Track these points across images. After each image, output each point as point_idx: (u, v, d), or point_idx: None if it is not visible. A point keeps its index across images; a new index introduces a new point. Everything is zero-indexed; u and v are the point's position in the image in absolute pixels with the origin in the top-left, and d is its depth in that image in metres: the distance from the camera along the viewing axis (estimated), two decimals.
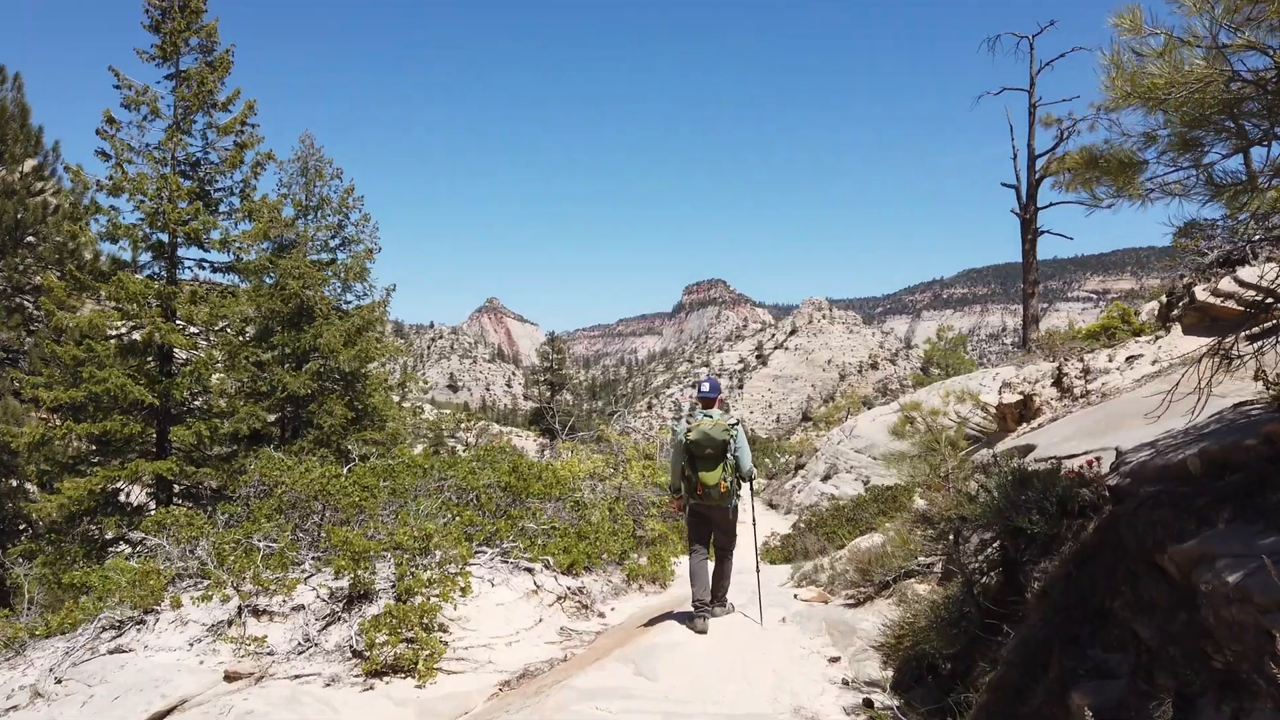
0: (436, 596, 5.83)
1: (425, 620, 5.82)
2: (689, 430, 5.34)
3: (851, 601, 5.90)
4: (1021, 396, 7.74)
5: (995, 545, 3.94)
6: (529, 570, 7.01)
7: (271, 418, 11.09)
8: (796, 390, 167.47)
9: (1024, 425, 7.65)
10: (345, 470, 7.92)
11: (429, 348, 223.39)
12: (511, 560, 7.09)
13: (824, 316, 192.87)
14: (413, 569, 6.18)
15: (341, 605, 6.19)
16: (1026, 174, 18.28)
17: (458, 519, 7.13)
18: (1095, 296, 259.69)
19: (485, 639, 6.09)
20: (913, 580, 5.61)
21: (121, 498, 13.45)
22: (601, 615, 7.19)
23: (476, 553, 7.24)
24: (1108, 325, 8.95)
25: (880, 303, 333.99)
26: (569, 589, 7.16)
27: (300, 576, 6.51)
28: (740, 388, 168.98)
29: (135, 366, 12.41)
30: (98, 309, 13.11)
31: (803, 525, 10.61)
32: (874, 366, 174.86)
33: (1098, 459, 3.90)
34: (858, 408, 27.16)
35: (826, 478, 16.75)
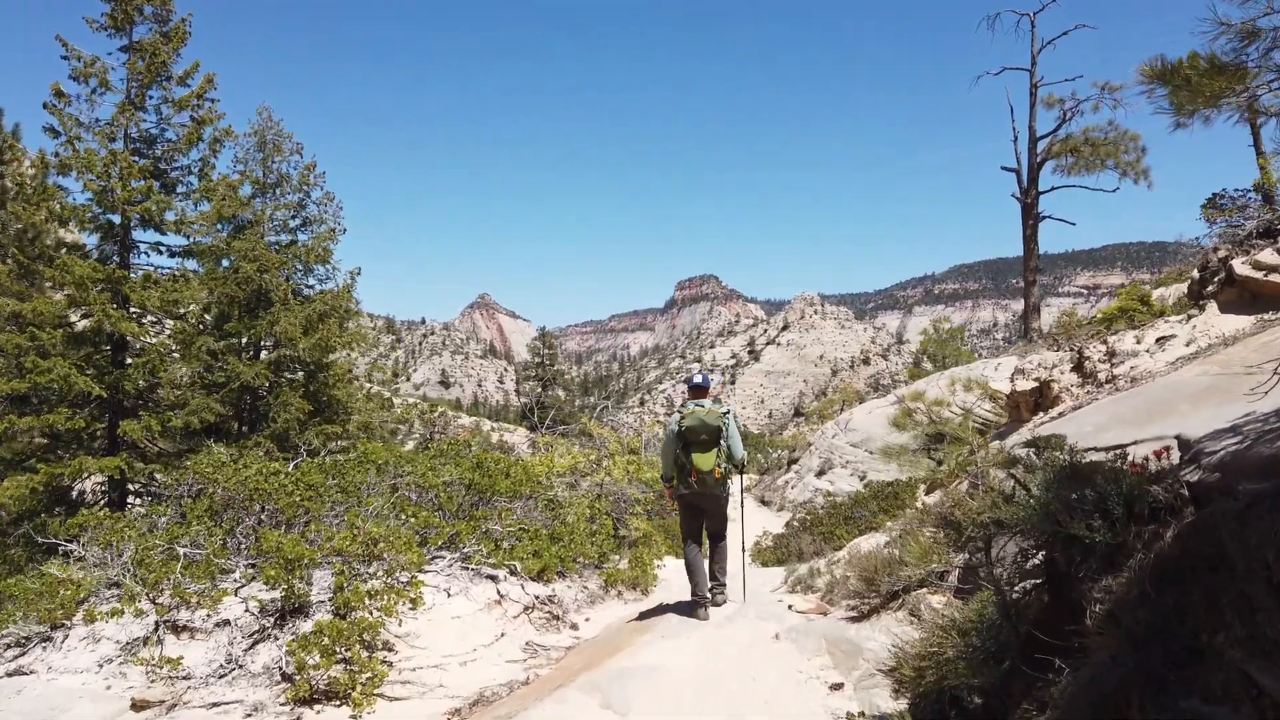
0: (380, 610, 5.08)
1: (366, 638, 5.07)
2: (683, 417, 5.52)
3: (854, 614, 5.17)
4: (1037, 384, 7.04)
5: (1038, 555, 3.22)
6: (492, 578, 6.26)
7: (228, 411, 10.29)
8: (789, 386, 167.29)
9: (1040, 415, 6.94)
10: (291, 466, 7.15)
11: (420, 344, 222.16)
12: (473, 567, 6.34)
13: (816, 312, 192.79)
14: (355, 578, 5.43)
15: (273, 620, 5.43)
16: (1028, 157, 17.61)
17: (412, 520, 6.37)
18: (1086, 291, 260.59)
19: (437, 658, 5.33)
20: (925, 590, 4.89)
21: (75, 495, 12.65)
22: (574, 627, 6.45)
23: (433, 558, 6.48)
24: (1125, 308, 8.27)
25: (872, 298, 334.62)
26: (538, 598, 6.41)
27: (230, 587, 5.74)
28: (733, 383, 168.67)
29: (84, 357, 11.58)
30: (44, 297, 12.26)
31: (796, 524, 9.91)
32: (866, 362, 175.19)
33: (1166, 449, 3.17)
34: (853, 400, 26.46)
35: (821, 473, 16.05)
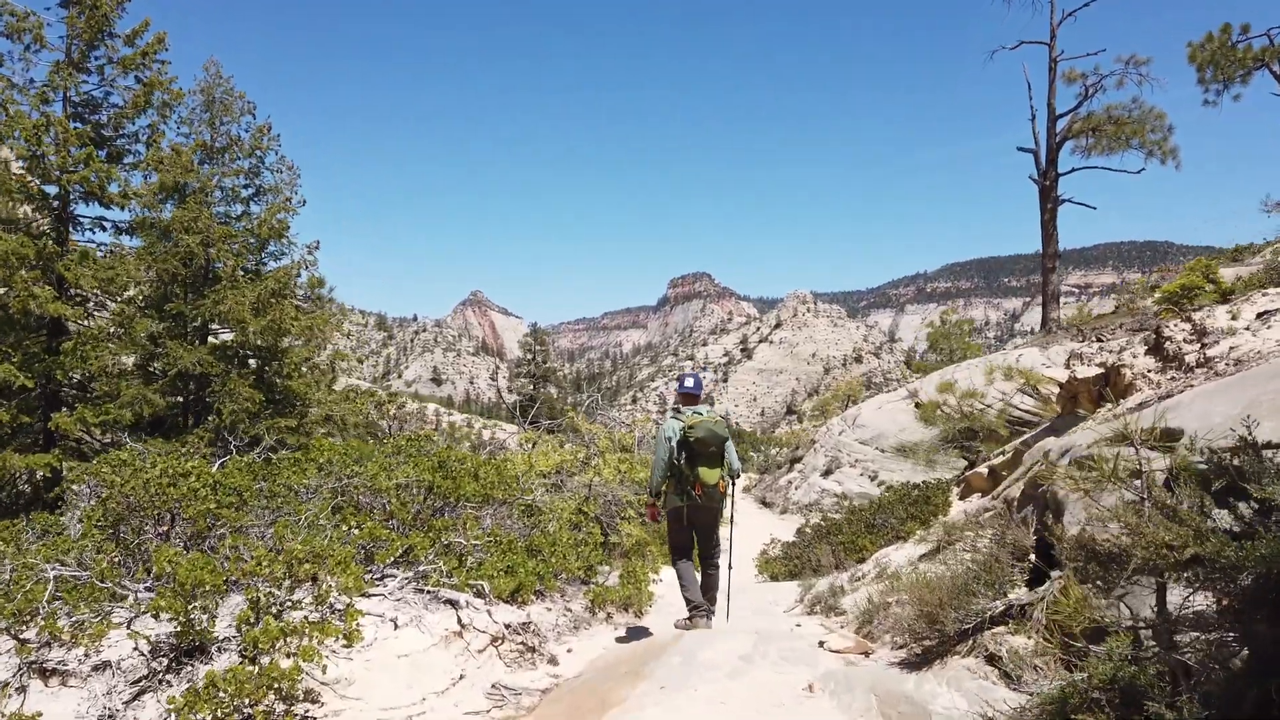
0: (296, 654, 3.94)
1: (282, 688, 3.93)
2: (690, 426, 5.10)
3: (908, 657, 4.06)
4: (1102, 370, 5.97)
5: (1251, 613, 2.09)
6: (452, 603, 5.11)
7: (168, 402, 9.13)
8: (781, 384, 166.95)
9: (1107, 406, 5.83)
10: (217, 466, 5.99)
11: (412, 340, 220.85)
12: (429, 589, 5.19)
13: (808, 310, 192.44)
14: (271, 609, 4.29)
15: (166, 662, 4.27)
16: (1046, 136, 16.54)
17: (356, 532, 5.23)
18: (1078, 290, 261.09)
19: (374, 712, 4.18)
20: (1005, 630, 3.77)
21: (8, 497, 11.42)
22: (553, 661, 5.32)
23: (382, 577, 5.34)
24: (1188, 286, 7.21)
25: (864, 296, 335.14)
26: (509, 625, 5.27)
27: (123, 618, 4.59)
28: (725, 381, 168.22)
29: (13, 342, 10.35)
30: None
31: (810, 531, 8.81)
32: (858, 360, 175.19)
33: None
34: (859, 394, 25.39)
35: (828, 473, 14.95)
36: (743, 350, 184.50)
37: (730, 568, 6.27)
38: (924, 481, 8.03)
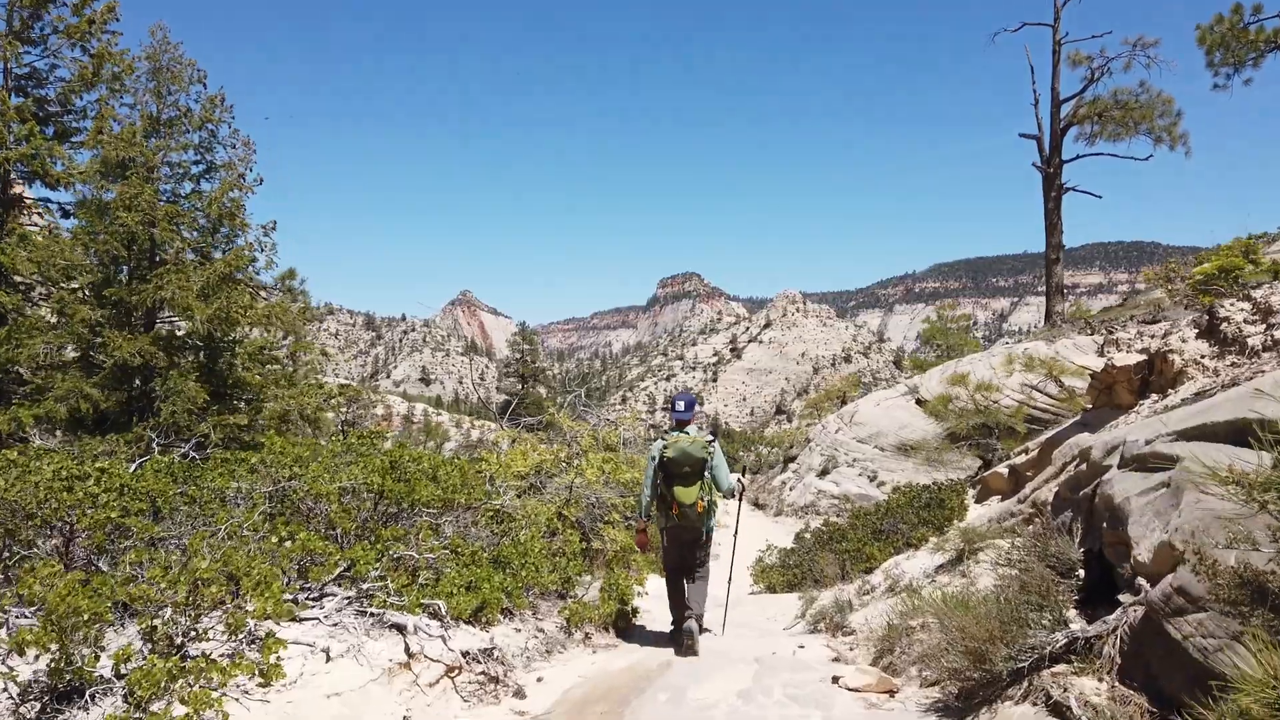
0: (188, 701, 3.17)
1: None
2: (665, 447, 5.30)
3: (945, 701, 3.32)
4: (1144, 356, 5.28)
5: None
6: (399, 627, 4.35)
7: (107, 397, 8.30)
8: (770, 383, 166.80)
9: (1154, 397, 5.13)
10: (134, 468, 5.19)
11: (401, 340, 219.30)
12: (374, 610, 4.43)
13: (798, 310, 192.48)
14: (175, 639, 3.53)
15: (38, 708, 3.50)
16: (1050, 122, 15.89)
17: (288, 544, 4.46)
18: (1065, 290, 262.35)
19: None
20: (1066, 669, 3.05)
21: None
22: (519, 694, 4.56)
23: (322, 596, 4.58)
24: (1227, 267, 6.55)
25: (853, 296, 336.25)
26: (468, 653, 4.51)
27: None
28: (714, 381, 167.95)
29: None
30: None
31: (810, 537, 8.09)
32: (847, 360, 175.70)
33: None
34: (854, 390, 24.69)
35: (824, 472, 14.24)
36: (732, 350, 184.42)
37: (729, 580, 6.29)
38: (935, 483, 7.33)
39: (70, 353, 9.99)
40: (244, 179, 9.05)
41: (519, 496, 9.61)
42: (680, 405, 5.51)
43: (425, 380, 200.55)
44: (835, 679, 3.69)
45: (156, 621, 3.64)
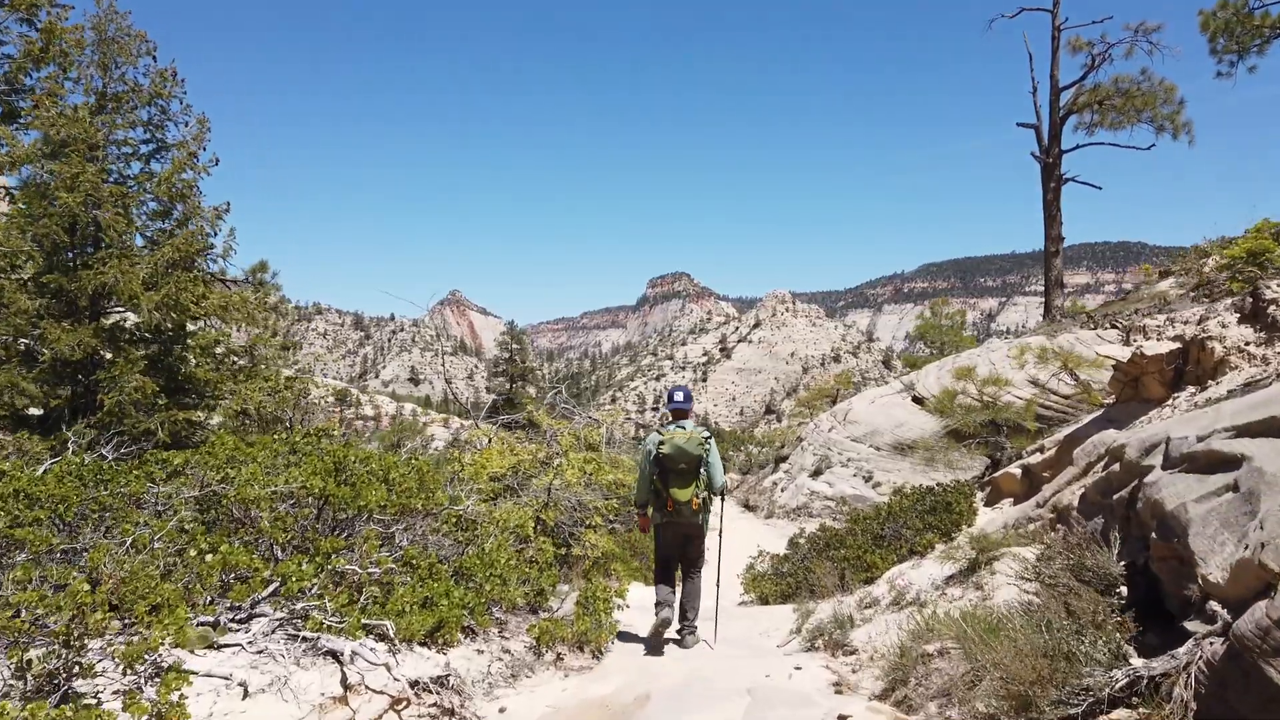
0: None
1: None
2: (661, 443, 5.15)
3: None
4: (1178, 345, 4.76)
5: None
6: (334, 654, 3.75)
7: (45, 392, 7.65)
8: (760, 383, 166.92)
9: (1188, 390, 4.61)
10: (43, 470, 4.57)
11: (390, 340, 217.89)
12: (309, 634, 3.83)
13: (787, 309, 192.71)
14: (48, 676, 2.94)
15: None
16: (1049, 110, 15.42)
17: (209, 558, 3.85)
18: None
19: None
20: (1129, 715, 2.49)
21: None
22: None
23: (250, 617, 3.98)
24: (1256, 250, 6.05)
25: (842, 296, 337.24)
26: (417, 681, 3.93)
27: None
28: (704, 380, 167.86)
29: None
30: None
31: (804, 543, 7.53)
32: (836, 359, 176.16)
33: None
34: (848, 387, 24.13)
35: (817, 473, 13.70)
36: (722, 350, 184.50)
37: (717, 584, 6.07)
38: (939, 484, 6.79)
39: (17, 345, 9.32)
40: (197, 159, 8.43)
41: (495, 499, 9.02)
42: (679, 396, 5.37)
43: (414, 380, 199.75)
44: (843, 719, 3.13)
45: (32, 654, 3.04)
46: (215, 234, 8.25)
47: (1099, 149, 14.96)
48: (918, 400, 13.04)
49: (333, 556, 4.13)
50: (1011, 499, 6.12)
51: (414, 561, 4.62)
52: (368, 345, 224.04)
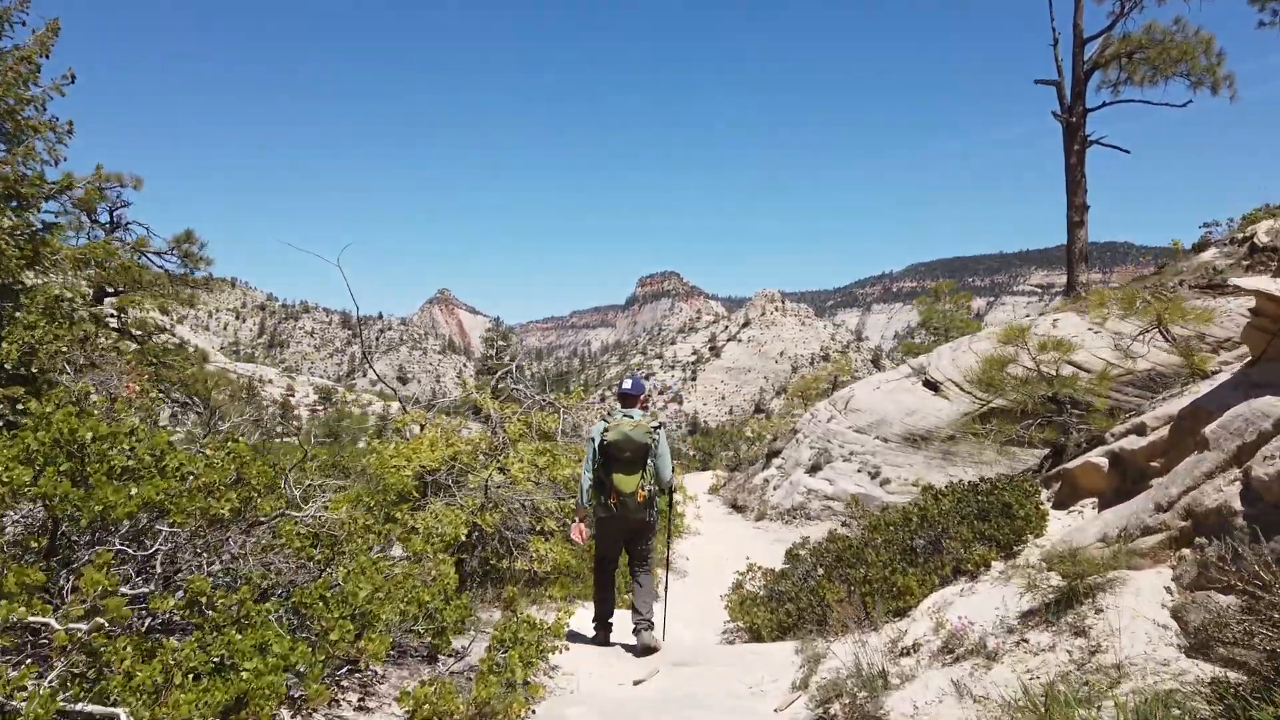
0: None
1: None
2: (606, 429, 4.90)
3: None
4: None
5: None
6: None
7: None
8: (749, 382, 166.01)
9: None
10: None
11: (378, 339, 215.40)
12: None
13: (776, 309, 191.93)
14: None
15: None
16: (1071, 64, 13.82)
17: None
18: (1040, 290, 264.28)
19: None
20: None
21: None
22: None
23: None
24: None
25: (831, 296, 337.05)
26: None
27: None
28: (693, 380, 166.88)
29: None
30: None
31: (808, 555, 5.81)
32: (825, 358, 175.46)
33: None
34: (846, 375, 22.43)
35: (815, 468, 12.04)
36: (711, 349, 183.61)
37: (665, 585, 5.59)
38: (984, 480, 5.12)
39: None
40: (38, 68, 6.66)
41: (422, 498, 7.31)
42: (627, 384, 5.12)
43: (403, 379, 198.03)
44: None
45: None
46: (52, 162, 6.44)
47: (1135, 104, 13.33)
48: (930, 385, 11.42)
49: (28, 598, 2.42)
50: (1095, 499, 4.48)
51: (207, 600, 2.92)
52: (355, 344, 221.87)
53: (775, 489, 12.82)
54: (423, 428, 8.18)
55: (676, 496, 11.35)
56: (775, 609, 5.09)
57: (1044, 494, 4.87)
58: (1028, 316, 14.35)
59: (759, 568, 6.36)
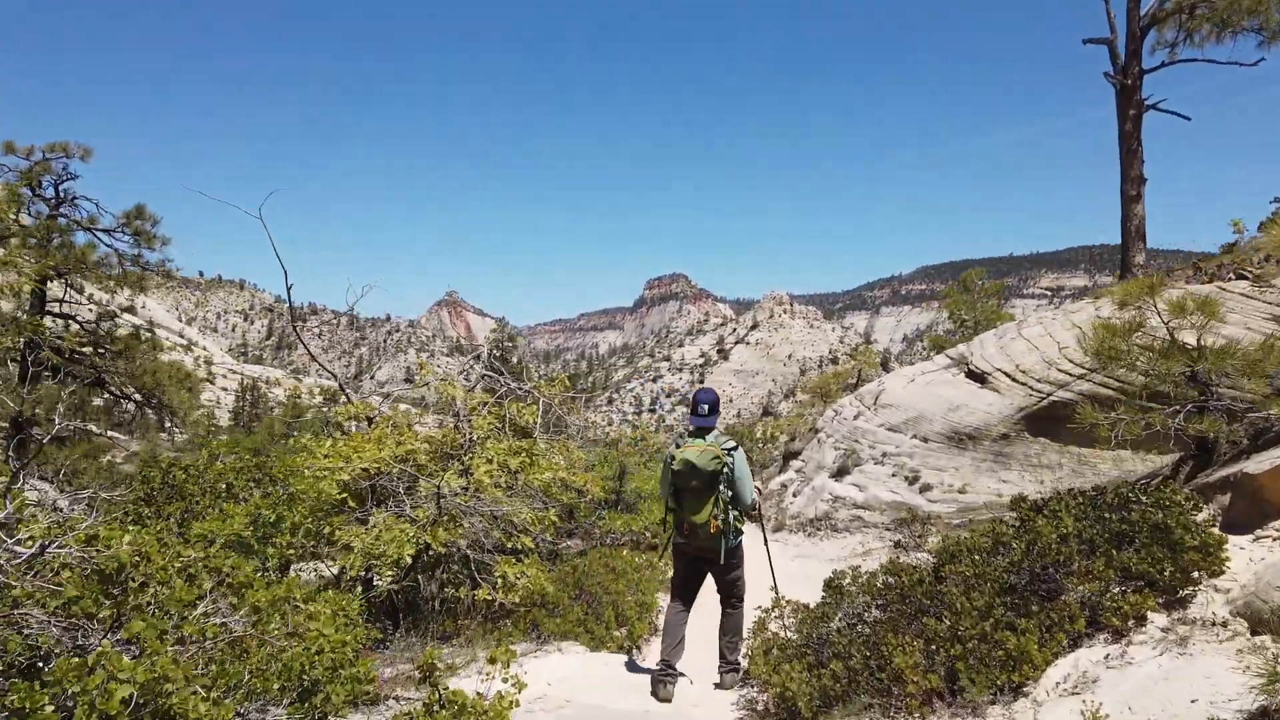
0: None
1: None
2: (672, 458, 4.45)
3: None
4: None
5: None
6: None
7: None
8: (757, 385, 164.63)
9: None
10: None
11: (385, 341, 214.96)
12: None
13: (785, 311, 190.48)
14: None
15: None
16: (1126, 20, 12.34)
17: None
18: (1049, 293, 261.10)
19: None
20: None
21: None
22: None
23: None
24: None
25: (840, 298, 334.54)
26: None
27: None
28: (701, 383, 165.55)
29: None
30: None
31: (858, 591, 4.32)
32: (834, 361, 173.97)
33: None
34: (873, 369, 20.90)
35: (841, 472, 10.57)
36: (719, 351, 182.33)
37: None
38: (1121, 489, 3.66)
39: None
40: None
41: (361, 508, 5.89)
42: (704, 409, 4.46)
43: (410, 381, 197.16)
44: None
45: None
46: None
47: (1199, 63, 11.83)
48: (975, 376, 9.96)
49: None
50: None
51: None
52: (363, 346, 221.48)
53: (795, 495, 11.32)
54: (371, 421, 6.77)
55: None
56: (816, 669, 3.64)
57: (1204, 511, 3.41)
58: (1059, 307, 12.82)
59: (787, 601, 4.91)
